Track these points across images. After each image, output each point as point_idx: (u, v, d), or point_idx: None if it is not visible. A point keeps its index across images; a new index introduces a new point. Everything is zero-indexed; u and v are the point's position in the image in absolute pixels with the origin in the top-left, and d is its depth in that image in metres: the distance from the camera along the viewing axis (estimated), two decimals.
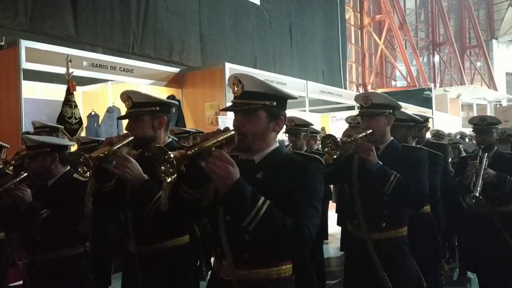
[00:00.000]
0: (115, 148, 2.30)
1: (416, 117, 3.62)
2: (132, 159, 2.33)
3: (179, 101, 7.62)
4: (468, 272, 5.34)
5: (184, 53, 10.81)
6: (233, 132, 1.74)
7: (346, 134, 2.83)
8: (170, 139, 2.69)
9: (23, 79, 5.66)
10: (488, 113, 23.12)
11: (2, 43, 6.34)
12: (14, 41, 5.85)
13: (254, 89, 1.81)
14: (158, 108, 2.53)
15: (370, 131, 2.82)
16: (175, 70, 8.08)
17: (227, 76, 7.27)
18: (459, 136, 7.83)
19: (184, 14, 10.91)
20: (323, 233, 4.77)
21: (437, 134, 7.02)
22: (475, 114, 22.38)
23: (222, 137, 1.68)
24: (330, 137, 2.82)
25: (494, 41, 29.47)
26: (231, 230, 1.78)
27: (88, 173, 2.18)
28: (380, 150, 2.83)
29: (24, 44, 5.68)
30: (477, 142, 4.30)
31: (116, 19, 9.30)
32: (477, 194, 3.75)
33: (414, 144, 3.58)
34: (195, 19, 11.22)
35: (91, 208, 2.33)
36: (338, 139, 2.78)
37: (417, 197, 2.69)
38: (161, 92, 7.66)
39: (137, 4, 9.72)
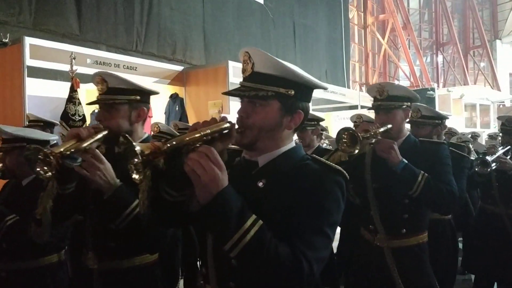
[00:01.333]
0: (85, 145, 1.89)
1: (443, 114, 3.45)
2: (105, 160, 1.95)
3: (182, 99, 7.63)
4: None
5: (187, 51, 10.82)
6: (228, 124, 1.37)
7: (363, 129, 2.44)
8: (147, 135, 2.29)
9: (27, 76, 5.68)
10: (491, 114, 23.08)
11: (6, 40, 6.35)
12: (18, 38, 5.87)
13: (267, 70, 1.41)
14: (138, 97, 2.15)
15: (390, 125, 2.50)
16: (179, 68, 8.09)
17: (231, 74, 7.28)
18: (470, 135, 7.57)
19: (188, 13, 10.92)
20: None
21: (449, 132, 6.63)
22: (478, 115, 22.34)
23: (213, 129, 1.32)
24: (347, 130, 2.39)
25: (498, 41, 29.38)
26: (219, 249, 1.31)
27: (49, 172, 1.77)
28: (396, 147, 2.46)
29: (28, 41, 5.69)
30: (501, 143, 4.21)
31: (120, 17, 9.31)
32: (489, 160, 3.61)
33: None
34: (199, 18, 11.22)
35: (49, 214, 1.98)
36: (358, 134, 2.34)
37: (448, 199, 2.40)
38: (165, 90, 7.67)
39: (141, 2, 9.72)
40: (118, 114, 2.10)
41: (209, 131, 1.30)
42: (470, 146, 6.39)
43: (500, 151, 3.81)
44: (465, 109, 21.19)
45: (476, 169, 3.69)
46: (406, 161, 2.36)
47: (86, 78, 7.16)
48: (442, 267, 3.21)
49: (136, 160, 1.20)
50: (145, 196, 1.46)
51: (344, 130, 2.40)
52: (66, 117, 5.70)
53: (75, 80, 5.82)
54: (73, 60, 5.83)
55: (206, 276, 1.49)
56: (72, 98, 5.80)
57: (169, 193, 1.36)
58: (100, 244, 2.10)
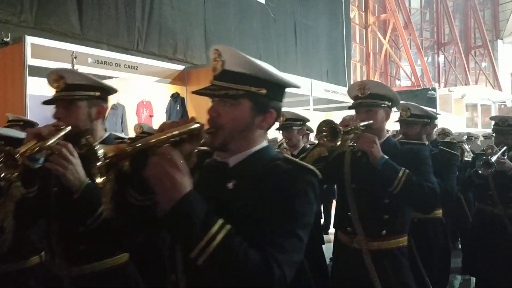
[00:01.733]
0: (49, 143, 1.80)
1: (433, 113, 3.40)
2: (77, 156, 1.86)
3: (183, 98, 7.63)
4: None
5: (188, 50, 10.82)
6: (198, 125, 1.30)
7: (344, 124, 2.35)
8: (108, 133, 2.19)
9: (28, 75, 5.68)
10: (493, 114, 23.04)
11: (8, 39, 6.37)
12: (19, 37, 5.88)
13: (238, 69, 1.37)
14: (98, 93, 2.06)
15: (371, 121, 2.39)
16: (180, 67, 8.09)
17: None
18: (465, 136, 7.44)
19: (189, 12, 10.92)
20: (320, 237, 4.17)
21: (443, 132, 6.54)
22: (480, 115, 22.34)
23: (181, 130, 1.26)
24: (328, 123, 2.30)
25: (499, 41, 29.38)
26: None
27: (14, 174, 1.68)
28: (378, 142, 2.36)
29: (30, 40, 5.70)
30: (495, 144, 4.02)
31: (121, 16, 9.32)
32: (493, 161, 3.55)
33: (427, 141, 3.34)
34: (200, 17, 11.23)
35: (12, 220, 1.86)
36: (339, 127, 2.26)
37: (430, 196, 2.29)
38: (166, 90, 7.68)
39: (142, 2, 9.73)
40: (78, 111, 1.98)
41: (176, 132, 1.24)
42: (466, 146, 6.31)
43: (499, 152, 3.73)
44: (466, 109, 21.20)
45: (480, 171, 3.62)
46: (386, 157, 2.25)
47: None
48: (435, 267, 3.16)
49: (99, 163, 1.13)
50: (108, 200, 1.34)
51: (324, 123, 2.31)
52: None
53: None
54: (74, 59, 5.83)
55: (175, 283, 1.41)
56: None
57: (134, 197, 1.29)
58: (69, 248, 1.97)
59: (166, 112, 7.63)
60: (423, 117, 3.29)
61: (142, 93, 7.62)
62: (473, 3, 28.38)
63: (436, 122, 4.92)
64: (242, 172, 1.36)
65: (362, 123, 2.34)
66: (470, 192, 4.91)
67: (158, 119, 7.53)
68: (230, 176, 1.37)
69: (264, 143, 1.44)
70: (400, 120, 3.36)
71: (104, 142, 2.06)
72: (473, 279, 4.71)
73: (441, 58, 28.80)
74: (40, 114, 5.60)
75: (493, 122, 4.25)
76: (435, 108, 15.32)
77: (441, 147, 3.29)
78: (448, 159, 3.13)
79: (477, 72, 28.98)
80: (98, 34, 8.79)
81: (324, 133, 2.29)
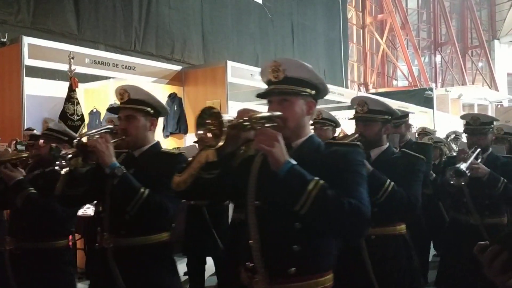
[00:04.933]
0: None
1: (394, 109, 2.90)
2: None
3: (180, 99, 7.63)
4: None
5: (186, 51, 10.83)
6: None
7: (241, 115, 1.70)
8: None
9: (26, 76, 5.68)
10: (489, 114, 23.10)
11: (5, 40, 6.37)
12: (16, 37, 5.87)
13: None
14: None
15: (279, 113, 1.76)
16: (177, 68, 8.09)
17: (229, 74, 7.29)
18: (453, 135, 6.94)
19: (186, 12, 10.93)
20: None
21: (424, 132, 6.27)
22: None
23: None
24: (212, 114, 1.61)
25: (496, 41, 29.44)
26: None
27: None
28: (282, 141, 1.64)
29: (27, 40, 5.69)
30: (468, 145, 3.62)
31: (118, 16, 9.32)
32: (464, 169, 3.15)
33: (388, 143, 2.87)
34: (197, 17, 11.24)
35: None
36: (225, 118, 1.58)
37: (350, 218, 1.61)
38: (163, 90, 7.67)
39: (139, 2, 9.74)
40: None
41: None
42: (454, 146, 6.06)
43: (472, 156, 3.33)
44: (463, 109, 21.22)
45: (452, 182, 3.22)
46: (294, 162, 1.61)
47: (84, 78, 7.20)
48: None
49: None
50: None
51: (208, 113, 1.62)
52: (64, 116, 5.70)
53: (73, 80, 5.83)
54: (72, 60, 5.83)
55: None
56: (70, 98, 5.80)
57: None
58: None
59: None
60: (384, 113, 2.78)
61: None
62: (469, 4, 28.44)
63: (409, 121, 4.50)
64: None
65: (262, 114, 1.71)
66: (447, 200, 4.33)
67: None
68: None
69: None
70: (355, 118, 2.86)
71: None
72: None
73: (438, 58, 28.83)
74: (36, 113, 5.61)
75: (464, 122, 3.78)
76: (432, 108, 15.38)
77: (404, 149, 2.92)
78: (411, 163, 2.71)
79: (474, 72, 29.02)
80: (95, 34, 8.80)
81: (210, 125, 1.60)
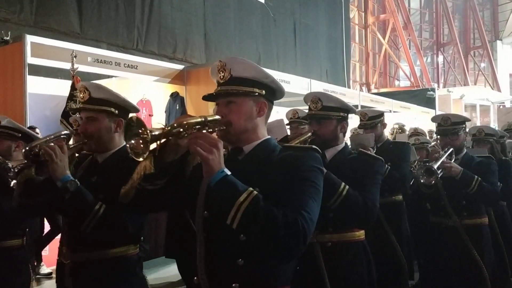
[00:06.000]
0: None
1: (351, 106, 2.67)
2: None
3: (183, 98, 7.64)
4: None
5: (188, 50, 10.84)
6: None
7: (178, 120, 1.55)
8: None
9: (28, 74, 5.69)
10: (491, 114, 23.08)
11: (8, 38, 6.38)
12: (19, 36, 5.89)
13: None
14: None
15: (218, 117, 1.65)
16: (179, 67, 8.10)
17: None
18: None
19: (189, 11, 10.94)
20: None
21: (415, 133, 6.14)
22: (478, 115, 22.38)
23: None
24: (139, 123, 1.47)
25: (498, 42, 29.40)
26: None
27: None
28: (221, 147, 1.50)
29: (29, 39, 5.70)
30: (441, 146, 3.55)
31: (121, 15, 9.33)
32: (434, 167, 3.08)
33: (345, 142, 2.68)
34: (200, 16, 11.25)
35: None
36: (145, 126, 1.44)
37: (286, 233, 1.42)
38: (165, 89, 7.69)
39: (141, 1, 9.75)
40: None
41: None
42: (429, 147, 5.88)
43: (444, 156, 3.26)
44: (465, 109, 21.24)
45: (422, 181, 3.17)
46: (227, 172, 1.46)
47: (87, 76, 7.21)
48: None
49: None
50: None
51: (136, 123, 1.48)
52: (66, 115, 5.71)
53: (76, 78, 5.83)
54: (74, 58, 5.84)
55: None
56: (73, 96, 5.80)
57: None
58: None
59: (165, 112, 7.65)
60: (339, 110, 2.58)
61: (141, 92, 7.63)
62: (472, 4, 28.40)
63: (383, 119, 4.26)
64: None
65: (196, 120, 1.57)
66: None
67: (158, 119, 7.54)
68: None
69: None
70: (309, 116, 2.67)
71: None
72: None
73: (440, 59, 28.81)
74: (39, 112, 5.63)
75: (496, 123, 3.80)
76: (434, 108, 15.37)
77: (361, 150, 2.68)
78: (369, 165, 2.48)
79: (476, 72, 28.99)
80: (97, 33, 8.81)
81: (139, 133, 1.46)
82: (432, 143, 5.45)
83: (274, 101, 1.78)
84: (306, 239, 1.47)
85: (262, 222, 1.43)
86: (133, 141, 1.48)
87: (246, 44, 12.64)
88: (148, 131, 1.41)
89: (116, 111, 2.29)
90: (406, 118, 10.98)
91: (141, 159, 1.47)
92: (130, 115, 2.28)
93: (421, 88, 19.70)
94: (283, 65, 13.60)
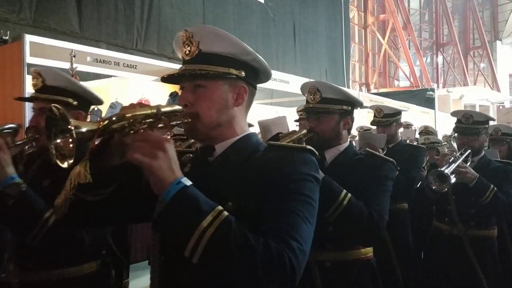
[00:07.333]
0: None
1: (356, 98, 2.28)
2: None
3: None
4: None
5: None
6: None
7: (120, 112, 1.21)
8: None
9: (27, 74, 5.67)
10: (491, 115, 23.04)
11: (7, 38, 6.36)
12: (18, 35, 5.87)
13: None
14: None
15: (178, 107, 1.27)
16: (179, 66, 8.04)
17: None
18: (451, 136, 6.82)
19: (188, 11, 10.94)
20: None
21: (426, 131, 5.95)
22: None
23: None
24: (62, 117, 1.07)
25: (498, 42, 29.41)
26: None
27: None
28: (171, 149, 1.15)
29: (29, 38, 5.69)
30: (457, 146, 3.29)
31: (120, 15, 9.32)
32: (448, 172, 2.76)
33: (349, 141, 2.31)
34: (199, 16, 11.23)
35: None
36: (70, 121, 1.03)
37: (247, 257, 1.06)
38: (165, 89, 7.67)
39: (141, 1, 9.74)
40: None
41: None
42: (455, 145, 5.74)
43: (460, 158, 2.93)
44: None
45: (434, 187, 2.83)
46: (185, 183, 1.09)
47: (86, 76, 7.20)
48: None
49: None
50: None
51: (58, 116, 1.08)
52: None
53: (75, 78, 5.82)
54: (73, 58, 5.83)
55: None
56: None
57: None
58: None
59: None
60: (342, 102, 2.17)
61: (141, 92, 7.61)
62: (472, 4, 28.40)
63: (399, 118, 4.03)
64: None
65: (146, 111, 1.15)
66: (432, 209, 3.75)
67: None
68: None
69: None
70: (306, 109, 2.30)
71: None
72: None
73: (440, 59, 28.82)
74: None
75: (455, 119, 3.34)
76: (434, 108, 15.37)
77: (369, 150, 2.38)
78: (376, 168, 2.10)
79: (476, 73, 28.99)
80: (97, 33, 8.80)
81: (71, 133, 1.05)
82: (444, 143, 5.32)
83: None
84: (295, 279, 1.08)
85: (234, 257, 1.04)
86: (59, 140, 1.09)
87: (246, 44, 12.64)
88: (73, 127, 1.02)
89: (75, 102, 1.98)
90: (406, 118, 10.96)
91: (65, 164, 1.07)
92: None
93: (420, 88, 19.68)
94: (282, 65, 13.59)
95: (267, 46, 13.47)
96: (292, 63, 14.29)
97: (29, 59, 5.66)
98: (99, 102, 2.18)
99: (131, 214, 1.39)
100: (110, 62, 6.73)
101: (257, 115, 6.30)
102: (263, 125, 2.41)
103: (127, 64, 6.96)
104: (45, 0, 7.90)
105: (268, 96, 10.52)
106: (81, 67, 6.00)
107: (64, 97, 1.95)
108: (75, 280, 1.90)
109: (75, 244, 1.85)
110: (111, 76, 7.42)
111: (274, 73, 9.71)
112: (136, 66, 7.11)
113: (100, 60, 6.60)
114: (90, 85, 8.36)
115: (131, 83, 7.56)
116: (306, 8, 15.26)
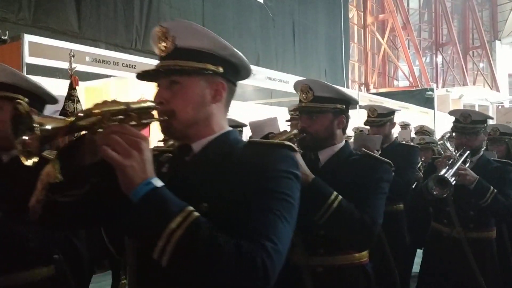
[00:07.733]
0: None
1: (350, 96, 2.25)
2: None
3: None
4: None
5: None
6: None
7: (89, 108, 1.12)
8: None
9: (26, 74, 5.66)
10: (490, 114, 23.05)
11: (6, 37, 6.35)
12: (17, 35, 5.86)
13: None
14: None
15: (151, 104, 1.26)
16: None
17: None
18: (448, 135, 6.32)
19: (187, 11, 10.93)
20: None
21: (421, 131, 5.89)
22: None
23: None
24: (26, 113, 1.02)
25: (497, 42, 29.43)
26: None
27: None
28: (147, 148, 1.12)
29: (28, 38, 5.68)
30: (455, 146, 3.19)
31: (119, 15, 9.32)
32: (448, 177, 2.70)
33: (344, 141, 2.24)
34: (198, 16, 11.23)
35: None
36: (31, 116, 1.00)
37: (236, 268, 1.04)
38: None
39: (140, 1, 9.74)
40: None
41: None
42: (449, 145, 5.63)
43: (459, 160, 2.88)
44: None
45: (435, 193, 2.77)
46: (155, 184, 1.05)
47: (85, 76, 7.19)
48: None
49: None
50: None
51: (18, 108, 1.04)
52: (64, 114, 5.70)
53: (74, 78, 5.81)
54: (72, 58, 5.82)
55: None
56: (71, 96, 5.78)
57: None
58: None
59: None
60: (335, 101, 2.10)
61: (140, 92, 7.60)
62: (471, 4, 28.41)
63: (393, 118, 3.95)
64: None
65: (117, 107, 1.10)
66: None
67: None
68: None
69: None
70: (299, 109, 2.20)
71: None
72: None
73: (439, 59, 28.84)
74: None
75: (453, 119, 3.29)
76: (433, 108, 15.38)
77: (365, 150, 2.33)
78: (372, 169, 2.02)
79: (475, 72, 29.01)
80: (96, 33, 8.80)
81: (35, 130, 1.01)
82: (439, 143, 5.27)
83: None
84: (268, 280, 1.04)
85: (202, 259, 1.01)
86: (26, 137, 1.03)
87: (244, 44, 12.62)
88: (38, 124, 0.97)
89: (26, 100, 1.85)
90: (405, 118, 10.97)
91: (30, 162, 1.03)
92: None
93: (420, 88, 19.69)
94: (282, 65, 13.59)
95: (266, 46, 13.47)
96: (291, 63, 14.29)
97: (28, 59, 5.66)
98: (54, 100, 2.06)
99: (107, 217, 1.33)
100: (109, 62, 6.72)
101: (257, 115, 6.29)
102: (253, 126, 2.43)
103: (126, 64, 6.95)
104: (44, 0, 7.90)
105: (267, 96, 10.52)
106: (80, 67, 5.99)
107: (13, 94, 1.84)
108: (27, 287, 1.78)
109: (18, 246, 1.73)
110: (110, 76, 7.42)
111: (274, 73, 9.65)
112: (135, 66, 7.10)
113: (99, 60, 6.59)
114: (90, 85, 8.43)
115: (130, 83, 7.54)
116: (306, 8, 15.27)
